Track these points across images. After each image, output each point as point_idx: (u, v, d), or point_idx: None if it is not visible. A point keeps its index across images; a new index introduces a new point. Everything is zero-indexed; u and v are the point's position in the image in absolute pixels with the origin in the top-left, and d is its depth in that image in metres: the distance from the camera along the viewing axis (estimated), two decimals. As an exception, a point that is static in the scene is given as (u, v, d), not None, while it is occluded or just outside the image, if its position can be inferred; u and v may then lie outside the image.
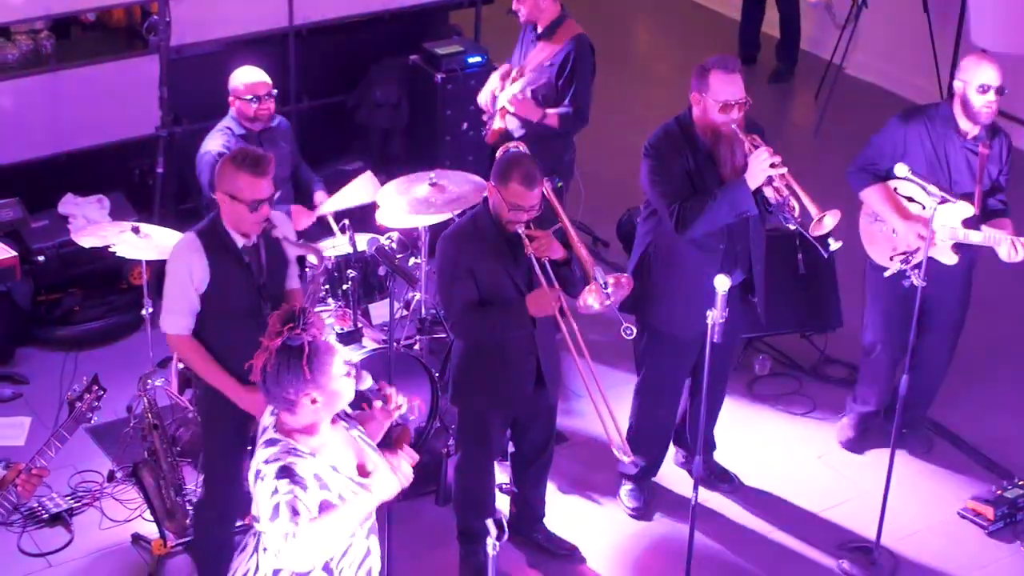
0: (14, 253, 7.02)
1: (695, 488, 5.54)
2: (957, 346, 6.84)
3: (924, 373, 6.59)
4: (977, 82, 6.28)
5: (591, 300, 5.85)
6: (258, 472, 4.27)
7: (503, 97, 7.47)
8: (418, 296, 7.18)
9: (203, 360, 5.49)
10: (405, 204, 6.82)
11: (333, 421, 4.44)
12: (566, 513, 6.57)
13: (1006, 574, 6.40)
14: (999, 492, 6.68)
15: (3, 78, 7.72)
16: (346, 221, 6.84)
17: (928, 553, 6.44)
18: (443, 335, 7.11)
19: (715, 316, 5.23)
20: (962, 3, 9.68)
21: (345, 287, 6.68)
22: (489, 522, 4.49)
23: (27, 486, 4.81)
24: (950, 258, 6.42)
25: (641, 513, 6.60)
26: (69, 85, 7.85)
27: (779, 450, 7.08)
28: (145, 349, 6.67)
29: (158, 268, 7.09)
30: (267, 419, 4.42)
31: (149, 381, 6.36)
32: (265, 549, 4.39)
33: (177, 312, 5.47)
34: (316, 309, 6.53)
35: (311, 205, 7.18)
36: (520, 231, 5.63)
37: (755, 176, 5.81)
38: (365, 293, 6.98)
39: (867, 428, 7.09)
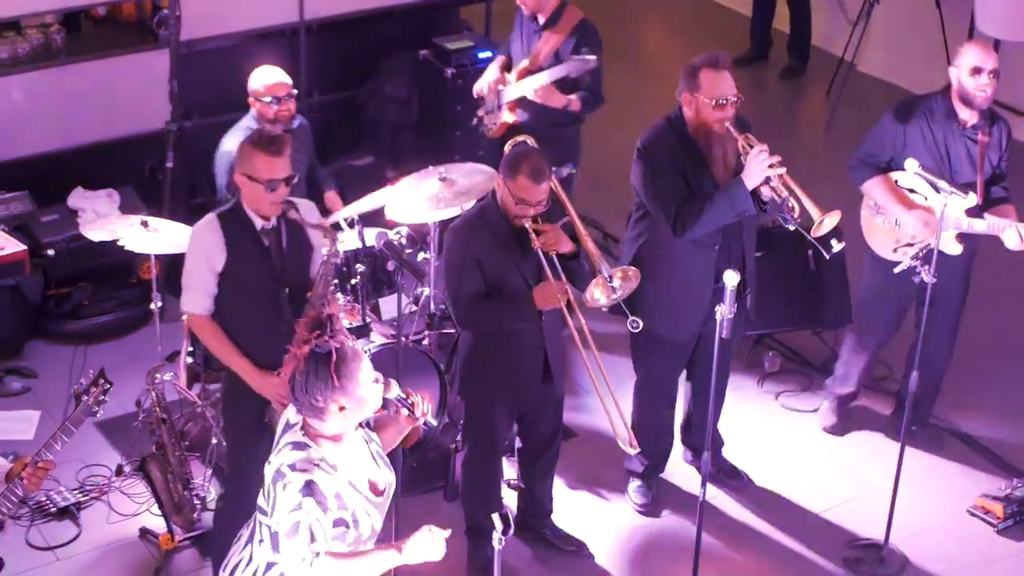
0: (23, 247, 7.02)
1: (703, 484, 5.53)
2: (957, 339, 6.80)
3: (928, 367, 6.57)
4: (969, 65, 6.29)
5: (598, 294, 5.84)
6: (282, 474, 4.23)
7: (519, 89, 7.42)
8: (427, 291, 7.17)
9: (219, 341, 5.53)
10: (415, 200, 6.81)
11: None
12: (574, 509, 6.56)
13: (1015, 572, 6.38)
14: (1009, 490, 6.67)
15: (13, 72, 7.73)
16: (355, 216, 6.82)
17: (937, 551, 6.42)
18: (452, 330, 7.10)
19: (724, 311, 5.21)
20: (974, -1, 9.66)
21: (354, 282, 6.67)
22: (494, 516, 4.48)
23: (33, 479, 4.81)
24: (954, 248, 6.41)
25: (649, 509, 6.59)
26: (79, 79, 7.86)
27: (788, 447, 7.07)
28: (154, 343, 6.68)
29: (168, 262, 7.13)
30: (293, 416, 4.37)
31: (158, 375, 6.36)
32: (261, 541, 4.38)
33: (194, 291, 5.52)
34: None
35: (322, 206, 7.15)
36: (527, 225, 5.63)
37: (753, 176, 5.79)
38: (374, 288, 6.96)
39: (848, 411, 7.12)
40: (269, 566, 4.39)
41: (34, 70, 7.78)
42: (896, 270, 6.19)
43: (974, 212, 6.31)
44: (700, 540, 5.63)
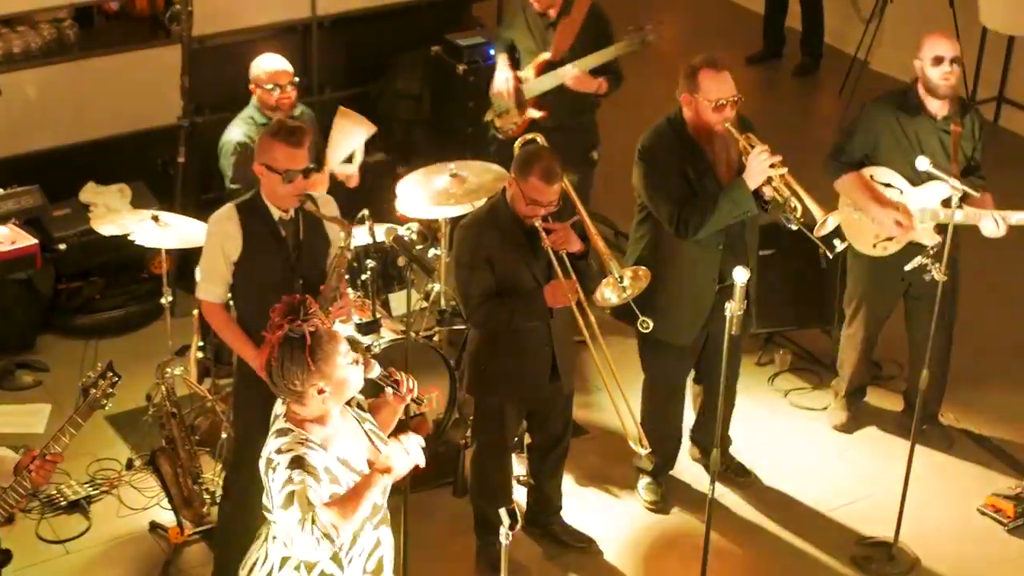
0: (35, 241, 7.03)
1: (712, 482, 5.51)
2: (954, 334, 6.78)
3: (938, 366, 6.55)
4: (930, 55, 6.34)
5: (609, 293, 5.83)
6: (270, 460, 4.28)
7: (547, 81, 7.41)
8: (438, 287, 7.17)
9: (231, 330, 5.56)
10: (425, 195, 6.81)
11: (343, 411, 4.43)
12: (583, 506, 6.56)
13: (1026, 572, 6.38)
14: (1019, 489, 6.66)
15: (26, 66, 7.75)
16: (365, 211, 6.82)
17: (947, 549, 6.41)
18: (462, 327, 7.10)
19: (734, 308, 5.20)
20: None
21: (364, 277, 6.67)
22: (502, 511, 4.48)
23: (41, 472, 4.81)
24: (932, 239, 6.43)
25: (659, 507, 6.58)
26: (92, 74, 7.88)
27: (798, 445, 7.05)
28: (164, 338, 6.68)
29: (178, 257, 7.14)
30: (279, 408, 4.43)
31: (168, 370, 6.37)
32: (274, 538, 4.39)
33: (209, 280, 5.55)
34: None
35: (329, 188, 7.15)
36: (537, 224, 5.62)
37: (755, 176, 5.78)
38: (384, 284, 6.97)
39: (858, 410, 7.12)
40: (284, 561, 4.41)
41: (47, 65, 7.80)
42: (907, 267, 6.17)
43: (951, 202, 6.34)
44: (709, 538, 5.61)
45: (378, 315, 6.56)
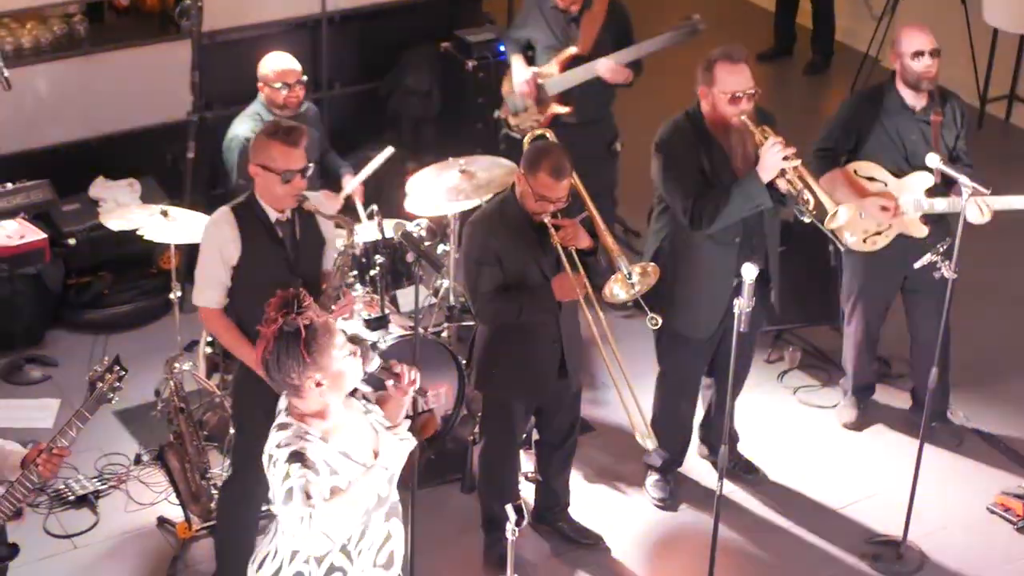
0: (44, 235, 7.04)
1: (720, 479, 5.51)
2: (959, 330, 6.76)
3: (930, 360, 6.53)
4: (910, 50, 6.38)
5: (617, 289, 5.83)
6: (270, 456, 4.28)
7: (578, 76, 7.41)
8: (447, 283, 7.17)
9: (231, 335, 5.50)
10: (435, 191, 6.81)
11: (347, 404, 4.43)
12: (592, 503, 6.55)
13: (1034, 570, 6.36)
14: (1029, 488, 6.65)
15: (36, 61, 7.76)
16: (374, 207, 6.82)
17: (956, 548, 6.39)
18: (471, 323, 7.10)
19: (742, 305, 5.19)
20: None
21: (373, 273, 6.67)
22: (508, 507, 4.48)
23: (48, 465, 4.82)
24: (920, 230, 6.45)
25: (667, 504, 6.58)
26: (102, 69, 7.88)
27: (807, 442, 7.04)
28: (173, 333, 6.69)
29: (188, 252, 7.14)
30: (281, 402, 4.42)
31: (176, 365, 6.37)
32: (283, 532, 4.39)
33: (207, 286, 5.49)
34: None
35: (339, 189, 7.17)
36: (546, 220, 5.61)
37: (768, 169, 5.77)
38: (393, 280, 6.97)
39: (867, 407, 7.13)
40: (294, 555, 4.42)
41: (57, 60, 7.80)
42: (916, 265, 6.16)
43: (934, 192, 6.37)
44: (717, 535, 5.61)
45: (386, 311, 6.56)
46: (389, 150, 7.23)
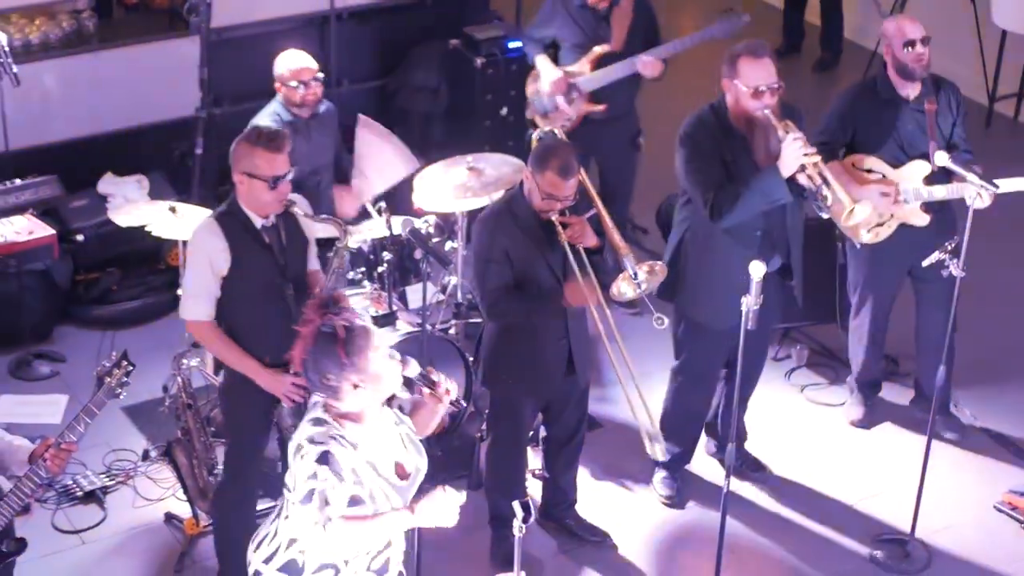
0: (53, 231, 7.05)
1: (727, 476, 5.51)
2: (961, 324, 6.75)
3: (934, 354, 6.52)
4: (900, 40, 6.39)
5: (624, 287, 5.83)
6: (299, 447, 4.28)
7: (613, 72, 7.41)
8: (454, 280, 7.17)
9: (225, 345, 5.45)
10: (443, 188, 6.81)
11: (381, 410, 4.44)
12: (599, 500, 6.55)
13: (1042, 568, 6.35)
14: (1036, 486, 6.64)
15: (45, 57, 7.78)
16: (383, 204, 6.83)
17: (963, 546, 6.39)
18: (479, 320, 7.10)
19: (750, 303, 5.19)
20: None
21: (380, 270, 6.67)
22: (515, 504, 4.47)
23: (56, 460, 4.83)
24: (921, 219, 6.45)
25: (674, 501, 6.57)
26: (110, 65, 7.90)
27: (814, 440, 7.04)
28: (181, 329, 6.67)
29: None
30: (316, 395, 4.40)
31: (184, 361, 6.38)
32: (287, 517, 4.40)
33: (197, 297, 5.42)
34: (349, 292, 6.54)
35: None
36: (554, 218, 5.60)
37: (788, 164, 5.77)
38: (401, 276, 6.97)
39: (874, 405, 7.12)
40: (291, 542, 4.42)
41: (66, 56, 7.82)
42: (925, 263, 6.16)
43: (933, 180, 6.38)
44: (724, 532, 5.61)
45: (394, 308, 6.56)
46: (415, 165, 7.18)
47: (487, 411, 6.26)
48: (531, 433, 6.30)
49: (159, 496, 6.48)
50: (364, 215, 7.09)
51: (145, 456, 6.66)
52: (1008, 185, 6.23)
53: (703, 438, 6.74)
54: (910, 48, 6.37)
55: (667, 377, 6.56)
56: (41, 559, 6.01)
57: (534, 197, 5.63)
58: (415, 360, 4.46)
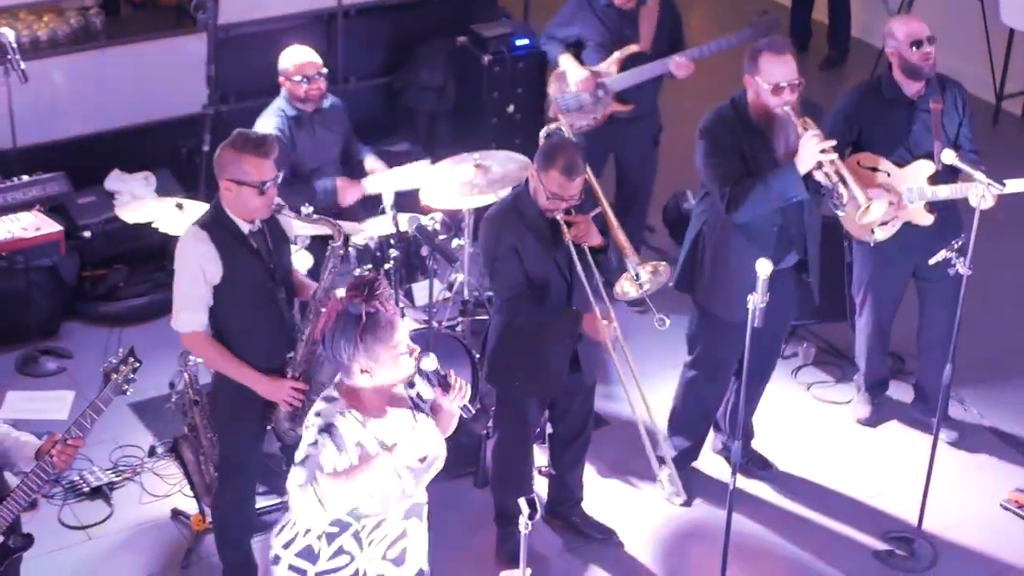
0: (60, 227, 7.06)
1: (733, 474, 5.51)
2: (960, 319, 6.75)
3: (939, 352, 6.52)
4: (908, 40, 6.38)
5: (627, 287, 5.83)
6: (306, 425, 4.36)
7: (644, 72, 7.42)
8: (461, 277, 7.17)
9: (221, 355, 5.40)
10: (450, 185, 6.81)
11: (399, 404, 4.46)
12: (604, 497, 6.56)
13: (1048, 567, 6.35)
14: (1043, 484, 6.64)
15: (53, 54, 7.78)
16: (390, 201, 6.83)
17: (969, 544, 6.38)
18: (485, 317, 7.10)
19: (756, 300, 5.19)
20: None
21: (387, 267, 6.67)
22: (521, 501, 4.48)
23: (62, 456, 4.83)
24: (925, 218, 6.44)
25: (680, 498, 6.56)
26: (118, 62, 7.91)
27: (821, 438, 7.04)
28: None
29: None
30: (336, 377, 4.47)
31: (191, 357, 6.36)
32: None
33: (191, 309, 5.35)
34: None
35: (363, 174, 7.14)
36: (559, 218, 5.60)
37: (805, 160, 5.77)
38: (407, 274, 6.97)
39: (881, 403, 7.13)
40: (308, 529, 4.45)
41: (73, 52, 7.82)
42: (931, 262, 6.15)
43: (937, 180, 6.38)
44: (730, 529, 5.61)
45: (401, 305, 6.56)
46: (425, 163, 7.17)
47: (493, 408, 6.27)
48: (537, 430, 6.30)
49: (166, 492, 6.49)
50: (371, 212, 7.09)
51: (152, 452, 6.67)
52: (1015, 186, 6.22)
53: (710, 435, 6.74)
54: (917, 48, 6.37)
55: (672, 376, 6.56)
56: (48, 555, 6.02)
57: (539, 196, 5.62)
58: (434, 355, 4.47)
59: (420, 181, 6.99)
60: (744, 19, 7.70)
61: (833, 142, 5.78)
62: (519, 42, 8.59)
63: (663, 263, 5.93)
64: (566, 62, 7.55)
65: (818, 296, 6.29)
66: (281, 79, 6.91)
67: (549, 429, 6.28)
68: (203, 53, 7.85)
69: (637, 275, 5.78)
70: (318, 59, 6.90)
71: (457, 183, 6.82)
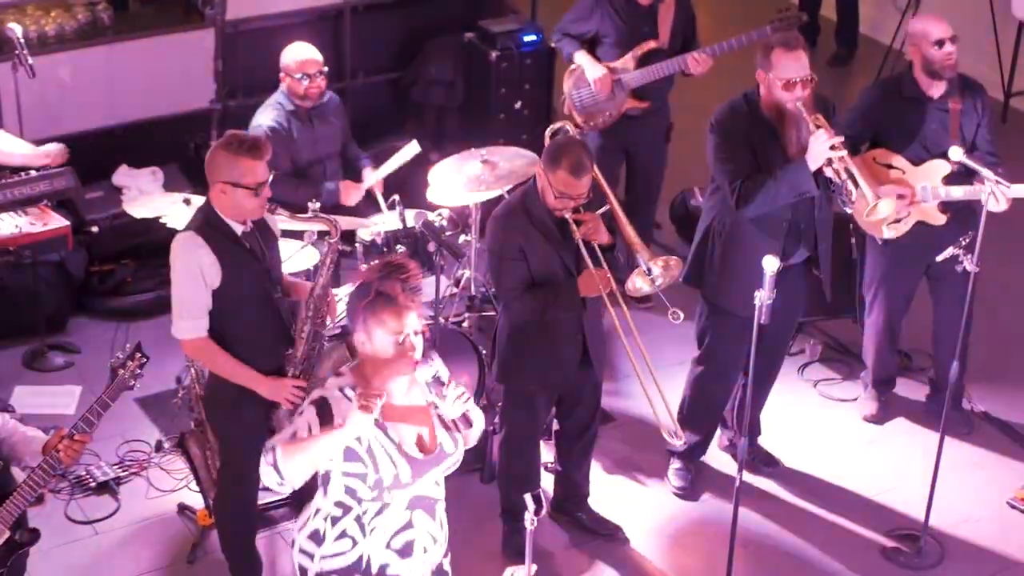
0: (67, 223, 7.06)
1: (739, 470, 5.50)
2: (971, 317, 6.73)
3: (949, 349, 6.50)
4: (932, 39, 6.39)
5: (640, 282, 5.82)
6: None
7: (663, 68, 7.39)
8: (467, 273, 7.17)
9: (224, 359, 5.36)
10: (457, 182, 6.81)
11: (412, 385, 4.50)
12: (611, 493, 6.56)
13: (1055, 565, 6.34)
14: (1051, 483, 6.63)
15: (61, 49, 7.78)
16: (396, 197, 6.84)
17: (975, 542, 6.38)
18: (492, 313, 7.10)
19: (763, 297, 5.18)
20: (1025, -13, 9.58)
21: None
22: (527, 496, 4.48)
23: (69, 452, 4.84)
24: (938, 218, 6.44)
25: (687, 493, 6.57)
26: (126, 57, 7.90)
27: (827, 435, 7.03)
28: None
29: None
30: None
31: (197, 352, 6.38)
32: (325, 494, 4.49)
33: (191, 316, 5.31)
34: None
35: (359, 180, 7.17)
36: (567, 216, 5.59)
37: (815, 157, 5.77)
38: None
39: (888, 400, 7.12)
40: (317, 511, 4.54)
41: (81, 48, 7.82)
42: (939, 259, 6.14)
43: (952, 180, 6.38)
44: (736, 526, 5.60)
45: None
46: (415, 147, 7.18)
47: (500, 404, 6.26)
48: (544, 426, 6.30)
49: (172, 487, 6.50)
50: (376, 209, 7.09)
51: (158, 447, 6.68)
52: (1016, 191, 6.20)
53: (717, 431, 6.73)
54: (939, 47, 6.36)
55: (681, 371, 6.56)
56: (54, 549, 6.03)
57: (547, 195, 5.62)
58: (439, 364, 4.47)
59: (408, 156, 7.05)
60: (751, 16, 7.70)
61: (842, 138, 5.78)
62: (527, 38, 8.59)
63: (674, 257, 5.93)
64: (583, 59, 7.53)
65: (829, 293, 6.28)
66: (282, 74, 6.93)
67: (556, 425, 6.28)
68: (211, 48, 7.86)
69: (649, 270, 5.77)
70: (319, 57, 6.92)
71: (464, 179, 6.81)
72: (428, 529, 4.61)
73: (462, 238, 7.15)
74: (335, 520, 4.49)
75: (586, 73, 7.51)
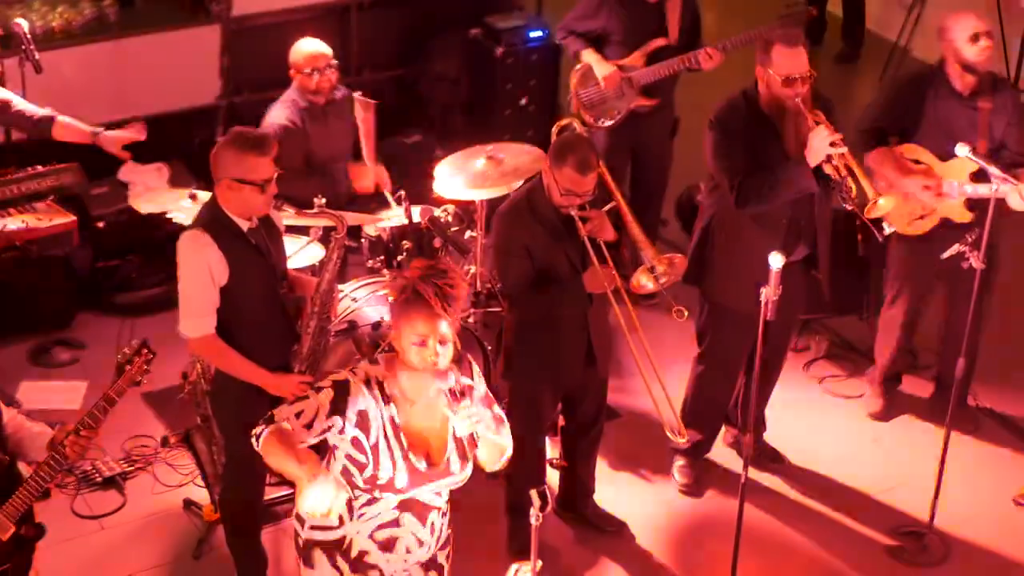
0: (73, 218, 7.07)
1: (744, 467, 5.50)
2: (985, 317, 6.72)
3: (959, 346, 6.51)
4: (966, 34, 6.36)
5: (645, 280, 5.83)
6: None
7: (672, 66, 7.39)
8: (473, 269, 7.17)
9: (231, 356, 5.36)
10: (462, 177, 6.81)
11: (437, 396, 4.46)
12: (616, 489, 6.56)
13: (1060, 563, 6.34)
14: (1056, 481, 6.62)
15: (67, 45, 7.79)
16: (402, 192, 6.83)
17: (981, 540, 6.38)
18: (497, 309, 7.10)
19: (768, 293, 5.18)
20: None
21: (400, 258, 6.67)
22: (532, 492, 4.47)
23: (75, 447, 4.84)
24: (963, 215, 6.43)
25: (692, 490, 6.58)
26: (132, 53, 7.92)
27: (833, 432, 7.04)
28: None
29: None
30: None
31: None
32: (327, 465, 4.49)
33: (199, 314, 5.30)
34: (368, 280, 6.54)
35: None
36: (573, 213, 5.59)
37: (815, 154, 5.76)
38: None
39: (894, 398, 7.12)
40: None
41: (87, 43, 7.83)
42: (944, 256, 6.14)
43: (982, 177, 6.32)
44: (741, 522, 5.61)
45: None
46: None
47: (506, 401, 6.26)
48: (549, 423, 6.30)
49: (178, 482, 6.51)
50: (383, 204, 7.09)
51: (164, 443, 6.69)
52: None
53: (722, 428, 6.73)
54: (976, 42, 6.34)
55: (686, 368, 6.56)
56: (61, 544, 6.04)
57: (553, 192, 5.62)
58: (456, 374, 4.44)
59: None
60: (742, 13, 7.69)
61: (841, 136, 5.77)
62: (532, 34, 8.60)
63: (679, 255, 5.93)
64: (590, 57, 7.51)
65: (827, 290, 6.27)
66: (292, 72, 6.92)
67: (561, 421, 6.28)
68: (217, 44, 7.86)
69: (653, 268, 5.77)
70: (328, 51, 6.90)
71: (470, 174, 6.81)
72: (415, 532, 4.61)
73: (468, 234, 7.15)
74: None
75: (595, 71, 7.49)
